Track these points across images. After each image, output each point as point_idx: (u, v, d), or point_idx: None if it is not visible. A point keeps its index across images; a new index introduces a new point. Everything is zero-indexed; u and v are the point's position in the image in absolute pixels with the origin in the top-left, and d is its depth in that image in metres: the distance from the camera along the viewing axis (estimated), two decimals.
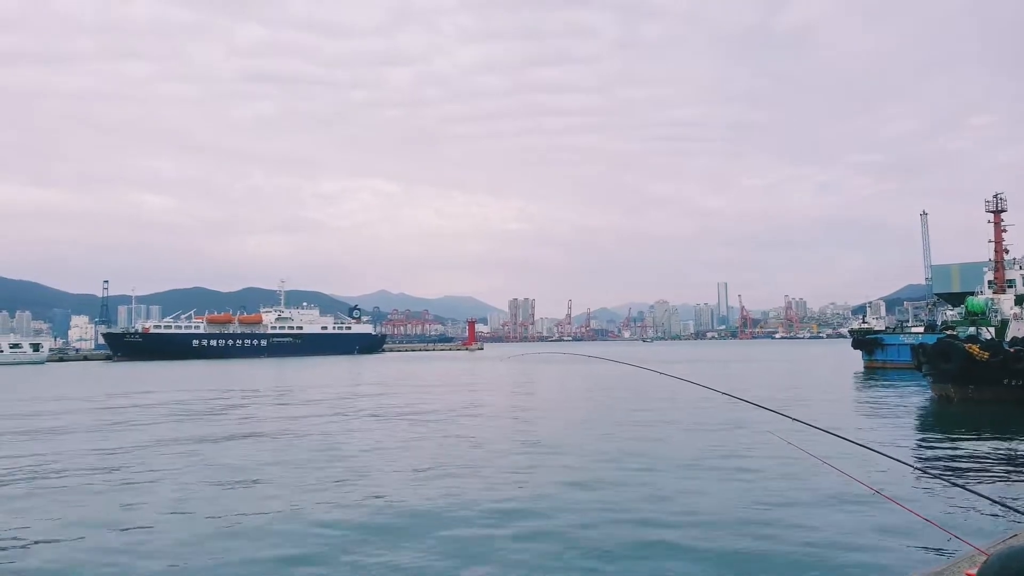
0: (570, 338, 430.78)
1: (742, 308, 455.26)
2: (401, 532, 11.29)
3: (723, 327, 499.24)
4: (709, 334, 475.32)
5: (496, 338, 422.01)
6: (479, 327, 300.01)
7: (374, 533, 11.28)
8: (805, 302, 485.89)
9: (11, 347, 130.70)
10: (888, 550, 10.04)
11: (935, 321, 66.31)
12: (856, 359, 65.21)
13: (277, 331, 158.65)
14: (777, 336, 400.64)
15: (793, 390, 39.85)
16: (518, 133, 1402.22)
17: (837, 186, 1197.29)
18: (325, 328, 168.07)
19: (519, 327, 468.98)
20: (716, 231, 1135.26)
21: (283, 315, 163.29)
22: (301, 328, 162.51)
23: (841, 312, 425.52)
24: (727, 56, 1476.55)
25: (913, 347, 36.52)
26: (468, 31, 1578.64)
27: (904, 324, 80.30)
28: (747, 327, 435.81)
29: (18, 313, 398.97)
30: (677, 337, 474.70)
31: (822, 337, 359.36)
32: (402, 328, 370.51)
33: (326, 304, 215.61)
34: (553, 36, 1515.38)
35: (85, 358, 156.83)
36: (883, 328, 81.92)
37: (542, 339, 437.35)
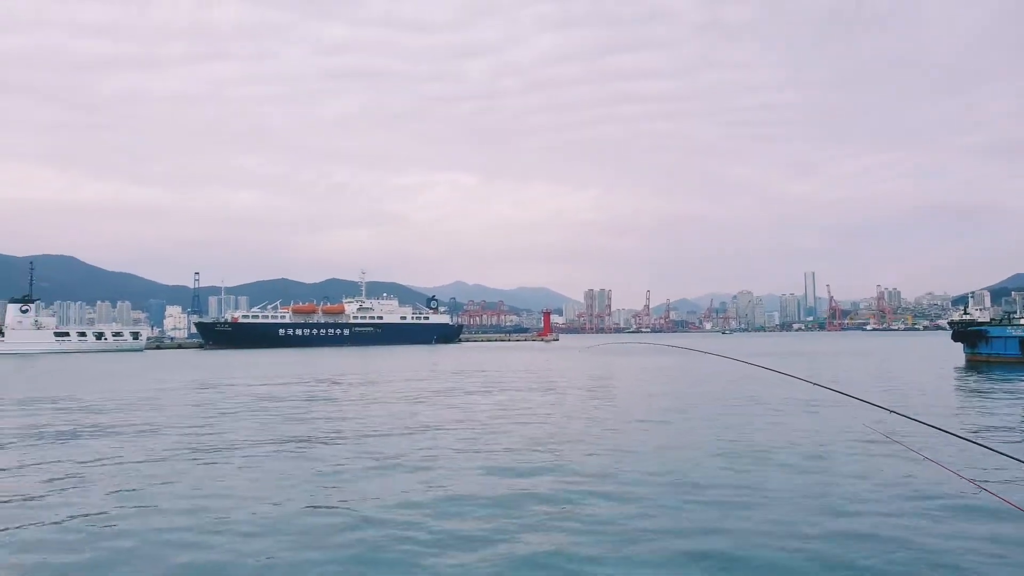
0: (648, 329, 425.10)
1: (830, 299, 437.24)
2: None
3: (810, 318, 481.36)
4: (795, 326, 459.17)
5: (571, 329, 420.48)
6: (554, 318, 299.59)
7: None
8: (899, 292, 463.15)
9: (114, 335, 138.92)
10: (994, 550, 8.87)
11: None
12: (956, 352, 60.99)
13: (359, 321, 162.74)
14: (868, 328, 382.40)
15: (889, 383, 37.39)
16: (596, 121, 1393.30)
17: (936, 170, 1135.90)
18: (404, 318, 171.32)
19: (595, 318, 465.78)
20: (803, 219, 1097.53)
21: (364, 305, 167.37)
22: (381, 318, 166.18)
23: (939, 303, 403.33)
24: (813, 37, 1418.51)
25: (1022, 340, 33.51)
26: (545, 19, 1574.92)
27: (1012, 315, 74.57)
28: (836, 318, 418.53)
29: (119, 303, 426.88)
30: (761, 329, 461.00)
31: (918, 329, 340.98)
32: (478, 319, 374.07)
33: (404, 295, 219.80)
34: (631, 22, 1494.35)
35: (179, 346, 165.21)
36: (987, 320, 76.38)
37: (619, 330, 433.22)
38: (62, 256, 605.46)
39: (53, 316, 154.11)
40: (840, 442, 17.41)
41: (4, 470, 15.46)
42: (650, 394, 32.15)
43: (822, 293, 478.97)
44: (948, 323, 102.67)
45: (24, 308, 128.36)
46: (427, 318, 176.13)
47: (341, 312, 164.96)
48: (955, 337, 61.74)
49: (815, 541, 9.66)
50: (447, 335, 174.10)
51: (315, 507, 11.80)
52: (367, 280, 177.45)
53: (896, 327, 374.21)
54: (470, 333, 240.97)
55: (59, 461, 16.40)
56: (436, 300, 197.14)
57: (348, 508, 11.69)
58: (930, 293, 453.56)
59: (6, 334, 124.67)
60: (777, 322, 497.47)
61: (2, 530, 10.61)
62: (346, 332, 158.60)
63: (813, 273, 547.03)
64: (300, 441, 18.97)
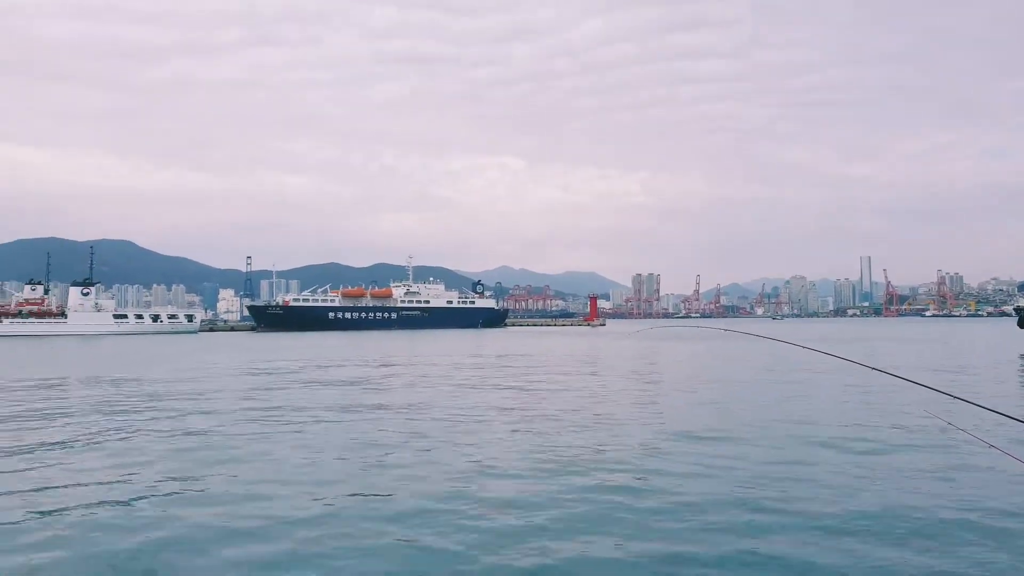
0: (697, 315, 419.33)
1: (887, 283, 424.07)
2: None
3: (866, 304, 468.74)
4: (850, 311, 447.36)
5: (618, 314, 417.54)
6: (601, 303, 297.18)
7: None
8: (961, 277, 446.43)
9: (169, 317, 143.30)
10: None
11: None
12: (1022, 339, 58.43)
13: (406, 305, 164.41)
14: (927, 314, 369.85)
15: (950, 369, 35.80)
16: (648, 103, 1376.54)
17: (1008, 149, 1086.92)
18: (450, 302, 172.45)
19: (643, 303, 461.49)
20: (860, 201, 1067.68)
21: (411, 289, 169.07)
22: (428, 302, 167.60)
23: (1005, 288, 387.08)
24: (877, 12, 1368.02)
25: None
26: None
27: None
28: (893, 304, 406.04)
29: (174, 287, 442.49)
30: (815, 314, 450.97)
31: (981, 315, 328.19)
32: (524, 303, 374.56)
33: (450, 279, 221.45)
34: (685, 1, 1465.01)
35: (232, 329, 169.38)
36: None
37: (667, 315, 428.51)
38: (120, 241, 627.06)
39: (112, 299, 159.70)
40: (900, 429, 16.54)
41: (69, 447, 15.76)
42: (700, 379, 31.38)
43: (878, 278, 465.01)
44: (1014, 309, 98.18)
45: (85, 291, 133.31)
46: (473, 302, 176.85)
47: (389, 296, 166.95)
48: (1021, 324, 59.34)
49: (877, 533, 9.05)
50: (493, 319, 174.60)
51: (364, 494, 11.57)
52: (414, 264, 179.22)
53: (958, 313, 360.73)
54: (516, 318, 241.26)
55: (117, 440, 16.68)
56: (482, 284, 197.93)
57: (396, 495, 11.47)
58: (995, 278, 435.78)
59: (69, 316, 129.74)
60: (831, 307, 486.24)
61: (58, 509, 10.70)
62: (394, 316, 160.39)
63: (869, 257, 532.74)
64: (350, 423, 18.92)
